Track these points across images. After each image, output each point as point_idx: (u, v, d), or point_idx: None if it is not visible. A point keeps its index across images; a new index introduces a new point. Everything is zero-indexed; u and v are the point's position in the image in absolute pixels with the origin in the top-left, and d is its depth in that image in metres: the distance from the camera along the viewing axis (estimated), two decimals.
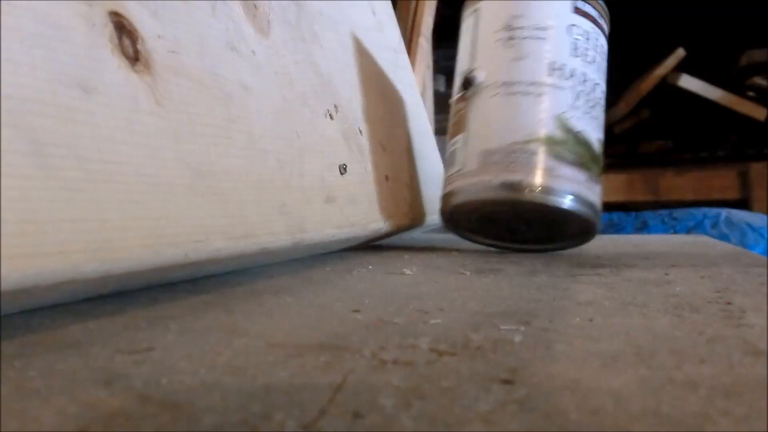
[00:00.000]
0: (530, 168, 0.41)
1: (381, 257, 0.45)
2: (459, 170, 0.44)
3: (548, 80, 0.43)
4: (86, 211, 0.21)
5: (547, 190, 0.41)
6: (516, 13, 0.44)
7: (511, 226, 0.47)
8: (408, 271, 0.36)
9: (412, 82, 0.66)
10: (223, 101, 0.31)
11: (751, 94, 1.90)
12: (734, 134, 1.90)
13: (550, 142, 0.42)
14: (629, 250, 0.49)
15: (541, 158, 0.41)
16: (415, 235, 0.68)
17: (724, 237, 1.23)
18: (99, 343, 0.19)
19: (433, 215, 0.59)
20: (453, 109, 0.47)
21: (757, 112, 1.87)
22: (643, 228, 1.37)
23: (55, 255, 0.20)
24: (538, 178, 0.41)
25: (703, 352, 0.17)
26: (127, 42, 0.26)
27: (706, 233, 1.25)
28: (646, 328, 0.21)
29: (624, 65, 1.90)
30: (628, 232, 1.36)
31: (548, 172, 0.41)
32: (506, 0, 0.45)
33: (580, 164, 0.43)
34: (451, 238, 0.68)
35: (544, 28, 0.43)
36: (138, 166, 0.24)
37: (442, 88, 2.23)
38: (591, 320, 0.22)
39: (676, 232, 1.31)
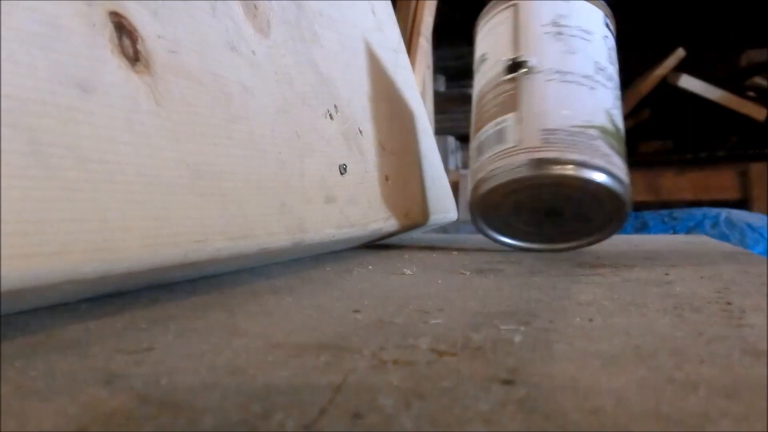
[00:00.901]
0: (593, 150, 0.43)
1: (381, 257, 0.45)
2: (513, 147, 0.44)
3: (596, 77, 0.45)
4: (86, 211, 0.21)
5: (608, 173, 0.43)
6: (562, 13, 0.47)
7: (542, 215, 0.47)
8: (408, 271, 0.36)
9: (412, 82, 0.66)
10: (223, 101, 0.31)
11: (751, 94, 1.90)
12: (734, 134, 1.90)
13: (604, 131, 0.44)
14: (629, 250, 0.49)
15: (600, 144, 0.43)
16: (415, 235, 0.68)
17: (724, 237, 1.23)
18: (99, 343, 0.19)
19: (435, 215, 0.59)
20: (495, 91, 0.47)
21: (757, 112, 1.87)
22: (643, 228, 1.37)
23: (55, 255, 0.20)
24: (600, 161, 0.43)
25: (703, 352, 0.17)
26: (127, 42, 0.26)
27: (706, 233, 1.25)
28: (646, 328, 0.21)
29: (624, 65, 1.90)
30: (628, 232, 1.36)
31: (606, 158, 0.43)
32: (551, 0, 0.48)
33: (624, 157, 0.46)
34: (451, 238, 0.68)
35: (588, 32, 0.47)
36: (138, 166, 0.24)
37: (442, 88, 2.23)
38: (591, 320, 0.22)
39: (676, 232, 1.31)
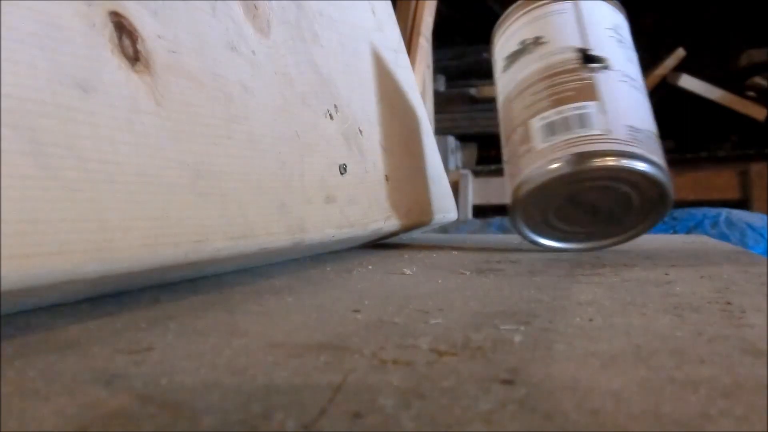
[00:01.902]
0: (660, 155, 0.46)
1: (381, 257, 0.45)
2: (601, 135, 0.44)
3: (644, 87, 0.49)
4: (86, 211, 0.21)
5: (668, 176, 0.46)
6: (618, 23, 0.51)
7: (585, 211, 0.48)
8: (408, 271, 0.36)
9: (412, 82, 0.66)
10: (223, 101, 0.31)
11: (751, 94, 1.90)
12: (734, 134, 1.90)
13: (657, 137, 0.47)
14: (629, 250, 0.49)
15: (661, 150, 0.46)
16: (415, 235, 0.68)
17: (724, 237, 1.23)
18: (99, 343, 0.19)
19: (435, 215, 0.59)
20: (567, 76, 0.47)
21: (757, 112, 1.87)
22: None
23: (55, 255, 0.20)
24: (664, 165, 0.45)
25: (703, 352, 0.17)
26: (127, 42, 0.26)
27: (706, 233, 1.25)
28: (646, 328, 0.21)
29: None
30: None
31: (664, 162, 0.46)
32: (608, 8, 0.51)
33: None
34: (451, 238, 0.68)
35: (631, 47, 0.51)
36: (138, 166, 0.24)
37: (442, 88, 2.23)
38: (591, 320, 0.22)
39: (676, 232, 1.31)
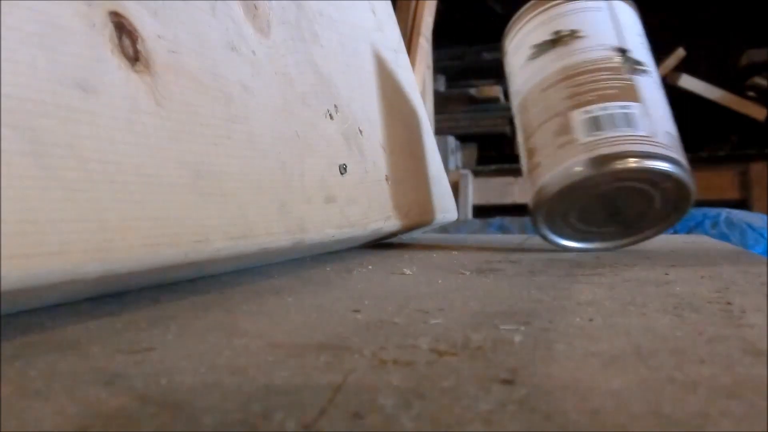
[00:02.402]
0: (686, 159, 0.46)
1: (381, 257, 0.45)
2: (647, 137, 0.45)
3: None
4: (86, 211, 0.21)
5: (694, 183, 0.46)
6: (641, 31, 0.51)
7: (608, 212, 0.48)
8: (408, 271, 0.36)
9: (412, 82, 0.66)
10: (223, 101, 0.31)
11: (751, 94, 1.90)
12: (734, 134, 1.90)
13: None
14: (629, 250, 0.49)
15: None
16: (415, 235, 0.68)
17: (724, 237, 1.23)
18: (99, 343, 0.19)
19: (435, 215, 0.59)
20: (608, 73, 0.47)
21: (757, 112, 1.87)
22: None
23: (55, 255, 0.20)
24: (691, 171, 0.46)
25: (703, 352, 0.17)
26: (127, 42, 0.26)
27: (706, 233, 1.25)
28: (646, 328, 0.21)
29: None
30: None
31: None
32: (634, 12, 0.52)
33: None
34: (451, 238, 0.68)
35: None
36: (138, 166, 0.24)
37: (442, 88, 2.24)
38: (591, 320, 0.22)
39: (676, 232, 1.31)
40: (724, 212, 1.30)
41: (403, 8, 1.09)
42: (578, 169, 0.44)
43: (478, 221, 1.53)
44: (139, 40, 0.26)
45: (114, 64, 0.25)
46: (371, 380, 0.15)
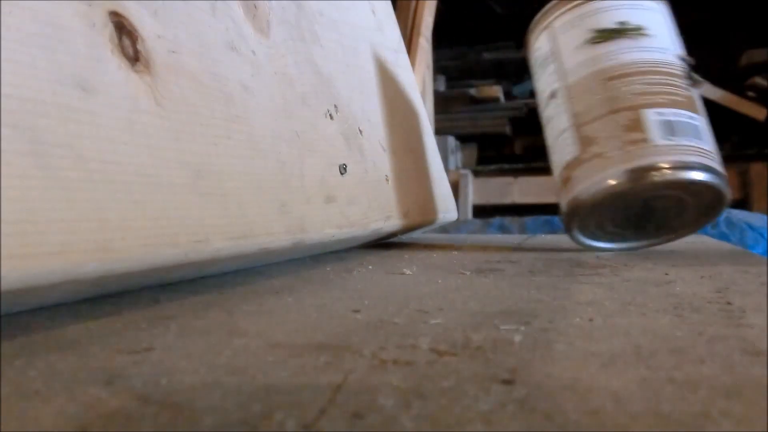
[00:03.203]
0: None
1: (381, 257, 0.45)
2: (710, 151, 0.45)
3: None
4: (86, 211, 0.21)
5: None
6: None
7: (644, 215, 0.48)
8: (408, 271, 0.36)
9: (412, 82, 0.66)
10: (223, 101, 0.31)
11: (751, 94, 1.90)
12: (734, 134, 1.90)
13: None
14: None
15: None
16: (415, 235, 0.68)
17: (724, 237, 1.23)
18: (99, 343, 0.19)
19: (436, 215, 0.59)
20: (672, 80, 0.47)
21: (757, 112, 1.87)
22: None
23: (55, 255, 0.20)
24: None
25: (703, 352, 0.17)
26: (127, 42, 0.26)
27: (706, 233, 1.25)
28: (646, 328, 0.21)
29: None
30: None
31: None
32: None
33: None
34: (451, 238, 0.68)
35: None
36: (138, 166, 0.24)
37: (442, 88, 2.24)
38: (591, 320, 0.22)
39: None
40: (724, 212, 1.30)
41: (403, 8, 1.09)
42: (656, 170, 0.43)
43: (478, 221, 1.53)
44: (139, 40, 0.26)
45: (114, 64, 0.25)
46: (371, 380, 0.15)
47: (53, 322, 0.22)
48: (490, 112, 2.19)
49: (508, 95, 2.25)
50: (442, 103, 2.01)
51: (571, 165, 0.46)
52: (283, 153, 0.36)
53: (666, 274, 0.34)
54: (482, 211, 1.97)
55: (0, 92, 0.19)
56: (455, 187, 1.70)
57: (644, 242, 0.50)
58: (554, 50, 0.50)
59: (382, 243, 0.57)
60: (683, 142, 0.44)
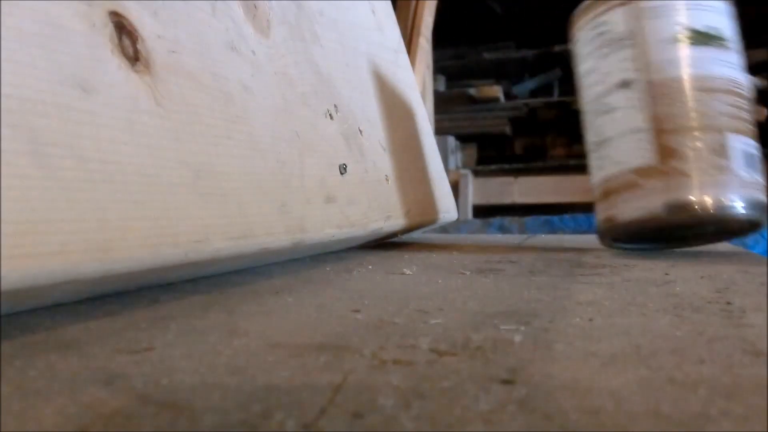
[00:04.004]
0: None
1: (381, 257, 0.45)
2: (758, 183, 0.43)
3: None
4: (86, 211, 0.21)
5: None
6: None
7: (684, 230, 0.46)
8: (408, 271, 0.36)
9: (412, 82, 0.66)
10: (223, 101, 0.31)
11: None
12: None
13: None
14: (629, 250, 0.49)
15: None
16: (415, 235, 0.68)
17: None
18: (99, 343, 0.19)
19: (436, 215, 0.59)
20: (749, 105, 0.44)
21: (757, 112, 1.87)
22: None
23: (55, 255, 0.20)
24: None
25: (703, 352, 0.17)
26: (127, 42, 0.26)
27: None
28: (646, 328, 0.21)
29: None
30: None
31: None
32: None
33: None
34: (451, 238, 0.68)
35: None
36: (138, 166, 0.24)
37: (442, 88, 2.23)
38: (591, 320, 0.22)
39: None
40: None
41: (403, 8, 1.09)
42: (738, 203, 0.41)
43: (478, 221, 1.53)
44: (139, 40, 0.26)
45: (114, 64, 0.25)
46: (371, 380, 0.15)
47: (53, 322, 0.22)
48: (490, 112, 2.19)
49: (508, 95, 2.25)
50: (442, 103, 2.01)
51: (644, 172, 0.43)
52: (283, 153, 0.36)
53: (666, 274, 0.34)
54: (482, 211, 1.97)
55: (0, 92, 0.19)
56: (455, 187, 1.70)
57: (665, 246, 0.49)
58: (635, 33, 0.44)
59: (382, 243, 0.57)
60: (756, 177, 0.42)
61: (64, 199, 0.21)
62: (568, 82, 2.28)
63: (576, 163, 1.96)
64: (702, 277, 0.32)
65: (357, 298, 0.27)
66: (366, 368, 0.16)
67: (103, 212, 0.22)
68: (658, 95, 0.43)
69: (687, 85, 0.43)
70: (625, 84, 0.44)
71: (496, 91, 2.19)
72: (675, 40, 0.43)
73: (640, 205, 0.43)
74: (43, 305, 0.24)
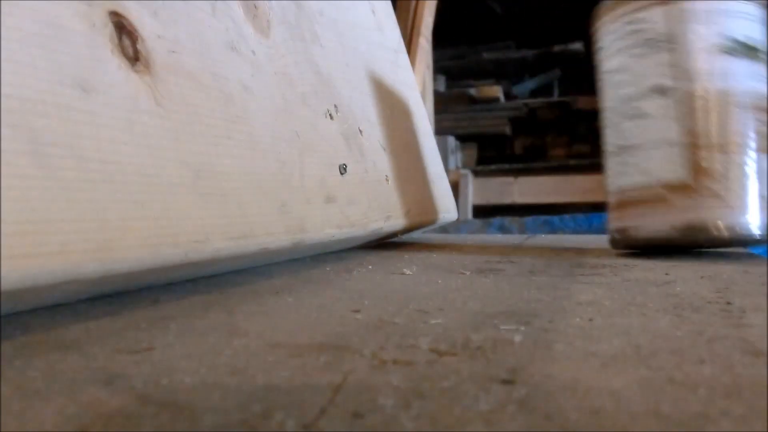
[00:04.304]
0: None
1: (381, 257, 0.45)
2: None
3: None
4: (86, 211, 0.21)
5: None
6: None
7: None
8: (408, 271, 0.36)
9: (412, 82, 0.66)
10: (223, 101, 0.31)
11: None
12: None
13: None
14: (629, 250, 0.49)
15: None
16: (415, 235, 0.68)
17: None
18: (99, 343, 0.19)
19: (436, 215, 0.59)
20: None
21: None
22: None
23: (55, 255, 0.20)
24: None
25: (703, 352, 0.17)
26: (127, 42, 0.26)
27: None
28: (646, 328, 0.21)
29: None
30: None
31: None
32: None
33: None
34: (451, 238, 0.68)
35: None
36: (138, 166, 0.24)
37: (442, 88, 2.23)
38: (591, 320, 0.22)
39: None
40: None
41: (403, 8, 1.09)
42: (764, 226, 0.40)
43: (478, 221, 1.53)
44: (139, 40, 0.26)
45: (114, 64, 0.25)
46: (371, 380, 0.15)
47: (53, 322, 0.22)
48: (490, 112, 2.19)
49: (508, 95, 2.25)
50: (442, 103, 2.01)
51: (675, 188, 0.40)
52: (283, 153, 0.36)
53: (666, 274, 0.34)
54: (482, 211, 1.97)
55: (0, 92, 0.19)
56: (455, 187, 1.70)
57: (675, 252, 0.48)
58: (676, 37, 0.41)
59: (382, 243, 0.57)
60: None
61: (64, 199, 0.21)
62: (568, 82, 2.29)
63: (576, 163, 1.96)
64: (702, 277, 0.32)
65: (357, 298, 0.27)
66: (366, 368, 0.16)
67: (103, 212, 0.22)
68: (697, 108, 0.40)
69: (728, 100, 0.40)
70: (660, 90, 0.41)
71: (496, 91, 2.20)
72: (717, 50, 0.41)
73: (665, 221, 0.41)
74: (43, 305, 0.24)
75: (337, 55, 0.47)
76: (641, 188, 0.42)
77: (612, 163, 0.45)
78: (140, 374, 0.16)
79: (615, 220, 0.45)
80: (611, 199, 0.45)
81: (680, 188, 0.40)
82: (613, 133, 0.45)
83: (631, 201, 0.43)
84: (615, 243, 0.46)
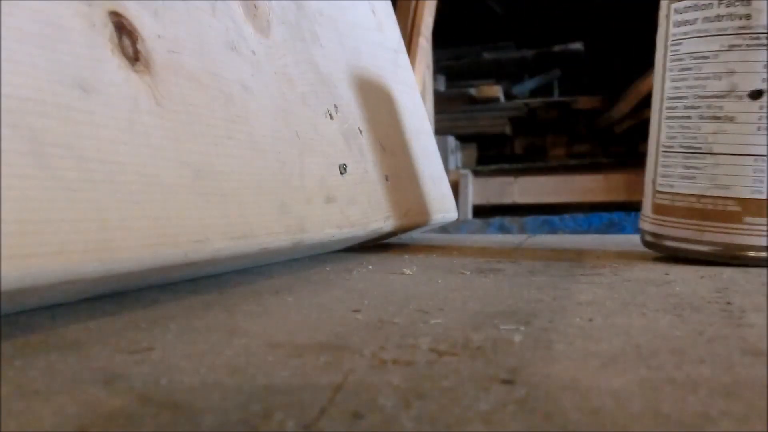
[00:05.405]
0: None
1: (381, 257, 0.45)
2: None
3: None
4: (86, 211, 0.21)
5: None
6: None
7: None
8: (408, 271, 0.36)
9: (412, 82, 0.66)
10: (223, 101, 0.31)
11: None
12: None
13: None
14: (629, 250, 0.49)
15: None
16: (415, 235, 0.68)
17: None
18: (99, 343, 0.19)
19: (435, 215, 0.59)
20: None
21: None
22: None
23: (55, 255, 0.20)
24: None
25: (703, 352, 0.17)
26: (127, 42, 0.26)
27: None
28: (646, 328, 0.21)
29: (624, 65, 1.89)
30: (628, 232, 1.36)
31: None
32: None
33: None
34: (451, 238, 0.68)
35: None
36: (138, 166, 0.24)
37: (442, 88, 2.23)
38: (591, 320, 0.22)
39: None
40: None
41: (403, 8, 1.09)
42: None
43: (478, 221, 1.53)
44: (139, 40, 0.26)
45: (114, 64, 0.25)
46: (371, 380, 0.15)
47: (53, 322, 0.22)
48: (490, 112, 2.19)
49: (507, 95, 2.25)
50: (442, 103, 2.01)
51: (753, 207, 0.36)
52: (283, 153, 0.36)
53: (666, 274, 0.34)
54: (482, 211, 1.97)
55: (0, 92, 0.19)
56: (455, 187, 1.70)
57: None
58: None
59: (382, 243, 0.57)
60: None
61: (64, 199, 0.21)
62: (568, 82, 2.28)
63: (576, 163, 1.96)
64: (702, 277, 0.32)
65: (357, 298, 0.27)
66: (366, 368, 0.16)
67: (103, 212, 0.22)
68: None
69: None
70: (756, 95, 0.36)
71: (496, 91, 2.19)
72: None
73: (730, 239, 0.37)
74: (43, 305, 0.24)
75: (337, 55, 0.47)
76: (710, 201, 0.37)
77: (669, 162, 0.40)
78: (140, 374, 0.16)
79: (653, 225, 0.41)
80: (662, 202, 0.40)
81: (758, 208, 0.36)
82: (682, 130, 0.39)
83: (693, 210, 0.38)
84: (648, 245, 0.42)
